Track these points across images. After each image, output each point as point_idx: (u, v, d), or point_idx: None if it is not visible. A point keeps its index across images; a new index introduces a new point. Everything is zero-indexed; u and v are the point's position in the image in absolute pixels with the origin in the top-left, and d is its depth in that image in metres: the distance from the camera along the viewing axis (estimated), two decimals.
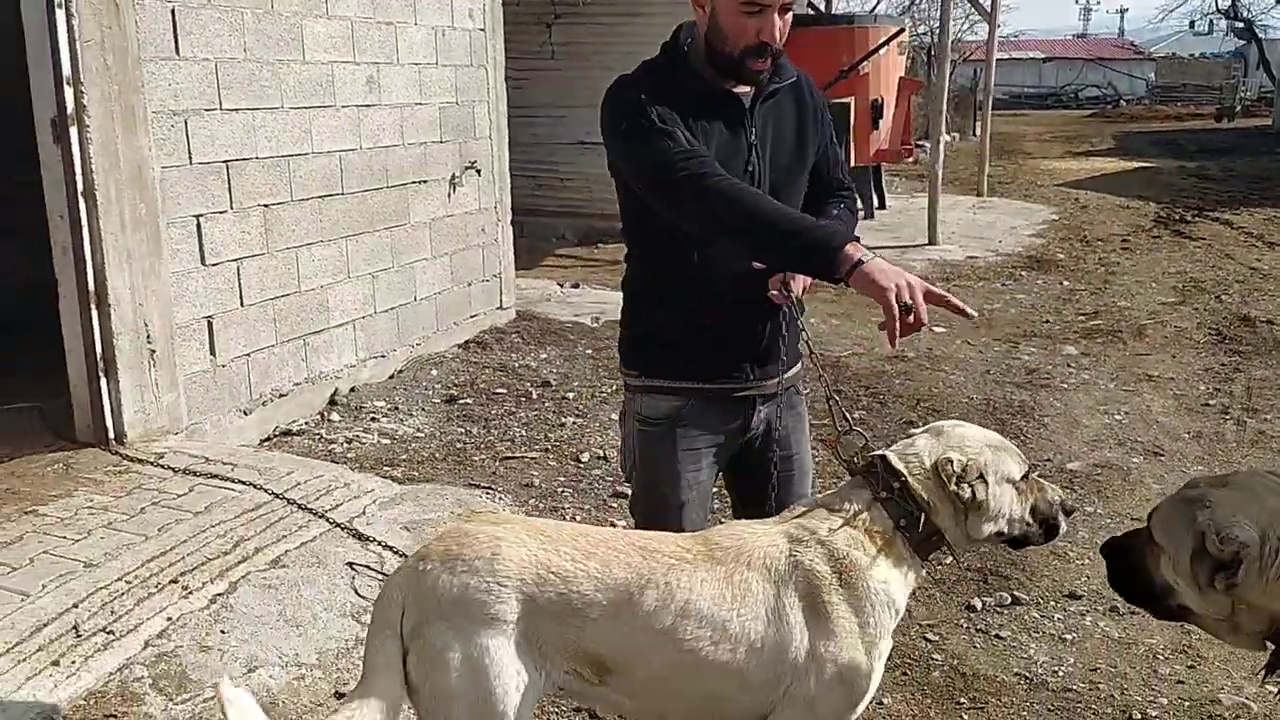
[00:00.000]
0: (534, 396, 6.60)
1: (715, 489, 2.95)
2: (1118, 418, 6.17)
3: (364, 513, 4.63)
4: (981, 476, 2.28)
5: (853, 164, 12.96)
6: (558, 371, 7.11)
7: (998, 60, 17.92)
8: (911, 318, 2.26)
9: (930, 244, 11.26)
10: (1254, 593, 1.92)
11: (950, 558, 2.54)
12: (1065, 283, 9.99)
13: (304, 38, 6.00)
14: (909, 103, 13.88)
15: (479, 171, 7.61)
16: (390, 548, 4.31)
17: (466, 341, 7.67)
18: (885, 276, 2.27)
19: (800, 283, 2.66)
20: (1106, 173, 19.07)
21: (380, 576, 4.13)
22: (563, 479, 5.34)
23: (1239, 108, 34.64)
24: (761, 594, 2.25)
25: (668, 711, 2.37)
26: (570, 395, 6.61)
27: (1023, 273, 10.45)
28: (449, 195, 7.44)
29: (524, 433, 6.00)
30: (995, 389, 6.73)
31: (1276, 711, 3.42)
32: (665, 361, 2.67)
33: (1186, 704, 3.48)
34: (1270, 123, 28.77)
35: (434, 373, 7.01)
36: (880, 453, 2.39)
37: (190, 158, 5.30)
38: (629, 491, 3.01)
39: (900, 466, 2.33)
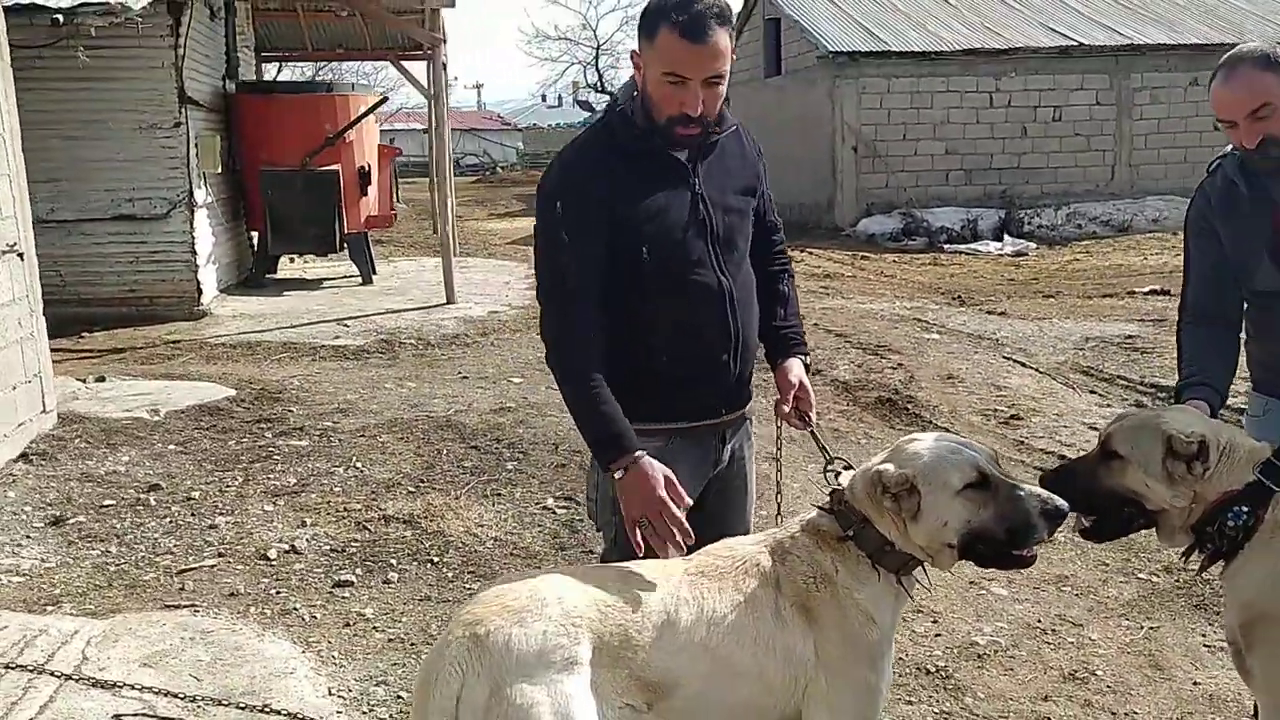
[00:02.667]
0: (152, 503, 5.81)
1: None
2: None
3: (86, 658, 3.88)
4: (913, 487, 2.38)
5: (345, 231, 12.81)
6: (157, 472, 6.30)
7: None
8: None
9: (450, 303, 11.50)
10: (1207, 482, 2.53)
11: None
12: None
13: None
14: (390, 169, 14.05)
15: (22, 255, 6.51)
16: (150, 689, 3.67)
17: (24, 454, 6.48)
18: (629, 500, 2.54)
19: (815, 412, 2.92)
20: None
21: None
22: (266, 580, 4.83)
23: None
24: (764, 598, 2.41)
25: None
26: (195, 495, 5.92)
27: None
28: None
29: (175, 542, 5.29)
30: None
31: (1019, 641, 4.26)
32: (647, 405, 2.73)
33: (955, 650, 4.19)
34: None
35: (10, 495, 5.85)
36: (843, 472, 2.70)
37: None
38: (598, 548, 2.97)
39: (844, 482, 2.62)
